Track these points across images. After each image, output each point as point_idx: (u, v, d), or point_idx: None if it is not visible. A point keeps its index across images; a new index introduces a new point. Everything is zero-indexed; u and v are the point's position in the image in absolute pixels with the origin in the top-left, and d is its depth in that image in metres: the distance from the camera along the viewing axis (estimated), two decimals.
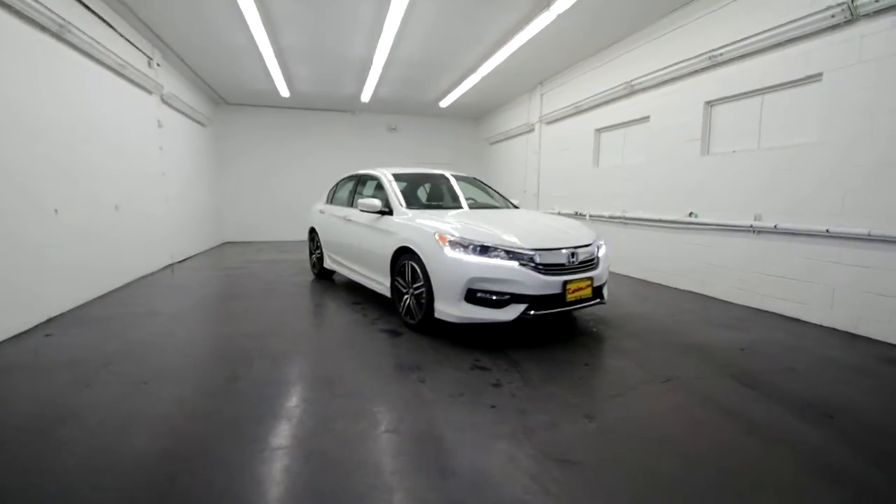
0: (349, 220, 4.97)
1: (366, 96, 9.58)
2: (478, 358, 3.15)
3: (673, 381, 2.82)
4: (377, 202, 4.33)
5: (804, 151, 4.15)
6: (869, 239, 3.62)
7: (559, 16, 5.35)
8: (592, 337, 3.67)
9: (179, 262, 7.62)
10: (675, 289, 5.57)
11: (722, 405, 2.49)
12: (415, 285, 3.68)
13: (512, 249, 3.32)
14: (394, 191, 4.49)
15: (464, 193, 4.83)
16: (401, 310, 3.91)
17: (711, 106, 5.16)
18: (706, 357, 3.25)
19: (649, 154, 6.09)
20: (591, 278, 3.52)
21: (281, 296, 5.13)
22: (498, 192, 5.27)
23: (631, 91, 6.24)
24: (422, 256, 3.52)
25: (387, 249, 4.06)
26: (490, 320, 3.28)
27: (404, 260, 3.81)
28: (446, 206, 4.57)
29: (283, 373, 2.90)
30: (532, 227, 3.74)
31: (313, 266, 6.32)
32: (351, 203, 5.23)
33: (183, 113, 7.96)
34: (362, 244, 4.62)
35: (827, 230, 3.90)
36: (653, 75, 5.78)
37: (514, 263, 3.27)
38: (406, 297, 3.83)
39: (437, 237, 3.47)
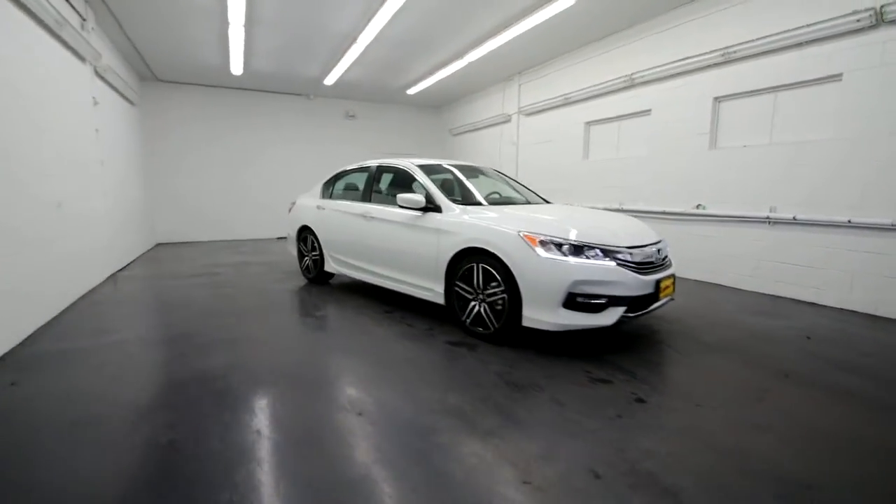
0: (370, 217, 4.39)
1: (331, 79, 8.71)
2: (588, 369, 2.88)
3: (792, 376, 2.80)
4: (421, 198, 3.84)
5: (821, 147, 4.44)
6: (890, 228, 3.96)
7: (577, 2, 5.20)
8: (651, 335, 3.59)
9: (120, 270, 6.31)
10: (683, 278, 5.77)
11: (878, 401, 2.50)
12: (488, 291, 3.30)
13: (609, 248, 3.09)
14: (434, 186, 4.02)
15: (483, 187, 4.44)
16: (464, 318, 3.50)
17: (719, 101, 5.36)
18: (783, 347, 3.31)
19: (651, 147, 6.22)
20: (673, 275, 3.42)
21: (285, 309, 4.40)
22: (521, 184, 4.99)
23: (631, 84, 6.31)
24: (504, 258, 3.15)
25: (442, 251, 3.61)
26: (589, 326, 3.02)
27: (470, 263, 3.40)
28: (470, 202, 4.14)
29: (401, 419, 2.38)
30: (605, 223, 3.53)
31: (306, 270, 5.56)
32: (368, 198, 4.63)
33: (115, 89, 6.54)
34: (396, 245, 4.09)
35: (849, 220, 4.21)
36: (657, 69, 5.87)
37: (612, 263, 3.04)
38: (473, 304, 3.43)
39: (523, 237, 3.12)
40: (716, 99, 5.36)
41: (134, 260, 7.23)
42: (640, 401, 2.46)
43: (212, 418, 2.22)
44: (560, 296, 2.96)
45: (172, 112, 9.34)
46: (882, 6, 3.86)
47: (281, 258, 7.42)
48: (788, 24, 4.52)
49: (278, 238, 10.48)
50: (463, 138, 11.02)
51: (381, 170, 4.73)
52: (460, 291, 3.52)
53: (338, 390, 2.59)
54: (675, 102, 5.80)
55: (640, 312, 3.14)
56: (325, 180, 5.53)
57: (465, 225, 3.49)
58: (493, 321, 3.29)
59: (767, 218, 4.85)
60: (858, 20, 4.03)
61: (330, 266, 5.12)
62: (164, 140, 9.33)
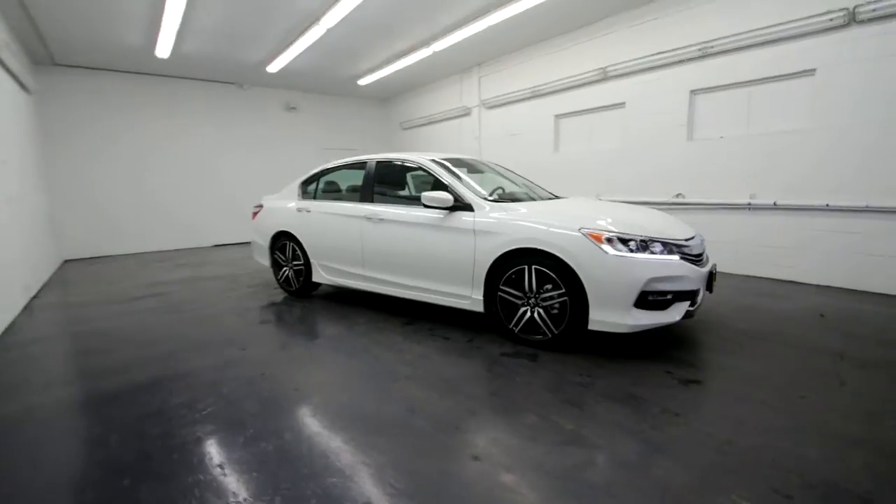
0: (379, 219, 3.89)
1: (276, 66, 7.80)
2: (667, 370, 2.75)
3: (847, 357, 2.90)
4: (449, 196, 3.45)
5: (796, 137, 4.79)
6: (865, 210, 4.37)
7: None
8: (679, 325, 3.60)
9: (34, 297, 5.05)
10: None
11: None
12: (543, 295, 3.03)
13: (671, 241, 2.97)
14: (462, 181, 3.64)
15: (486, 184, 4.15)
16: (512, 326, 3.20)
17: (695, 94, 5.59)
18: (810, 327, 3.47)
19: (625, 140, 6.35)
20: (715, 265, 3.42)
21: (283, 332, 3.77)
22: (525, 179, 4.76)
23: (604, 77, 6.39)
24: (566, 259, 2.89)
25: (482, 254, 3.26)
26: (658, 325, 2.88)
27: (519, 265, 3.10)
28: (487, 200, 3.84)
29: (531, 461, 2.01)
30: (648, 216, 3.42)
31: (285, 282, 4.85)
32: (369, 198, 4.10)
33: (10, 72, 5.18)
34: (418, 249, 3.65)
35: (827, 204, 4.59)
36: (632, 62, 5.99)
37: (676, 257, 2.93)
38: (523, 310, 3.13)
39: (586, 234, 2.89)
40: (692, 92, 5.58)
41: (46, 283, 5.87)
42: (745, 400, 2.37)
43: None
44: (633, 295, 2.78)
45: (79, 103, 7.75)
46: (855, 6, 4.21)
47: (236, 269, 6.50)
48: (765, 21, 4.79)
49: (215, 245, 9.29)
50: (415, 133, 10.59)
51: (383, 166, 4.23)
52: (507, 297, 3.20)
53: (422, 430, 2.16)
54: (650, 95, 5.97)
55: (698, 306, 3.09)
56: (302, 179, 4.86)
57: (512, 224, 3.17)
58: (552, 327, 3.04)
59: (748, 204, 5.16)
60: (832, 19, 4.37)
61: (319, 276, 4.50)
62: (70, 136, 7.73)
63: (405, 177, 4.31)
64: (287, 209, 4.77)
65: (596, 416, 2.23)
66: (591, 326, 2.90)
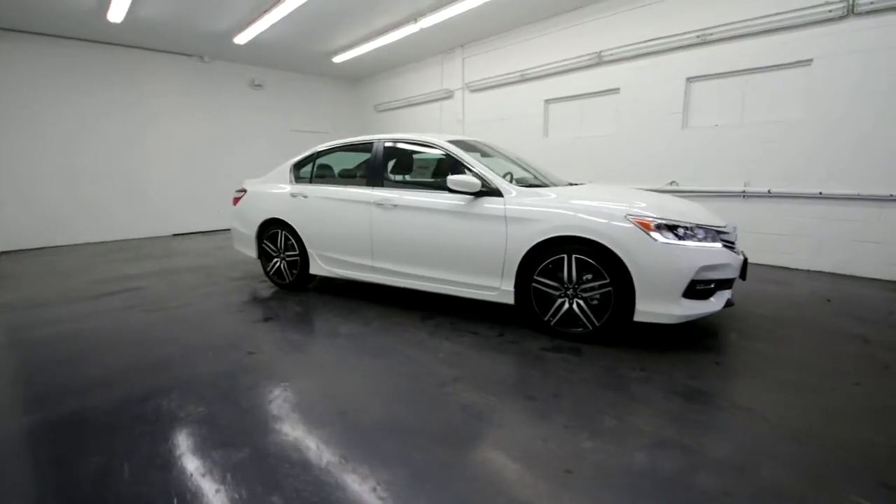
0: (392, 205, 3.57)
1: (245, 37, 7.11)
2: (715, 360, 2.69)
3: (872, 341, 2.96)
4: (476, 180, 3.20)
5: (791, 127, 4.91)
6: (857, 198, 4.56)
7: None
8: None
9: None
10: None
11: None
12: (585, 285, 2.88)
13: (713, 228, 2.90)
14: (483, 164, 3.40)
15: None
16: (548, 318, 3.03)
17: (691, 82, 5.61)
18: (824, 312, 3.56)
19: (619, 126, 6.32)
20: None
21: (297, 332, 3.40)
22: (534, 163, 4.56)
23: (599, 62, 6.29)
24: (612, 247, 2.74)
25: (515, 242, 3.05)
26: (704, 314, 2.81)
27: (557, 254, 2.92)
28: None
29: (654, 479, 1.84)
30: (679, 203, 3.33)
31: (276, 274, 4.43)
32: (378, 182, 3.76)
33: None
34: (439, 238, 3.38)
35: (820, 192, 4.75)
36: (629, 47, 5.93)
37: (719, 244, 2.86)
38: (560, 301, 2.97)
39: (633, 221, 2.75)
40: (688, 79, 5.60)
41: None
42: (802, 388, 2.33)
43: None
44: (683, 284, 2.68)
45: (15, 73, 6.71)
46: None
47: (209, 260, 5.93)
48: (765, 9, 4.84)
49: (174, 235, 8.51)
50: (392, 115, 10.14)
51: (394, 147, 3.89)
52: (542, 288, 3.03)
53: (501, 441, 1.94)
54: (645, 82, 5.94)
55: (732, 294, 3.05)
56: (294, 161, 4.42)
57: (550, 211, 2.98)
58: (593, 319, 2.89)
59: (743, 192, 5.28)
60: (830, 10, 4.46)
61: (317, 268, 4.13)
62: (3, 111, 6.70)
63: (420, 159, 3.99)
64: (278, 194, 4.33)
65: (671, 415, 2.10)
66: (636, 318, 2.78)
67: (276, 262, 4.42)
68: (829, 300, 3.89)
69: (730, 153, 5.35)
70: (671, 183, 5.86)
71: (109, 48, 7.49)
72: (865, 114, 4.45)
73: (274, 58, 8.71)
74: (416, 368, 2.63)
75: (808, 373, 2.52)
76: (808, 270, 4.92)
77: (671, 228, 2.75)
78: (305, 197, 4.12)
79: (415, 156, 3.93)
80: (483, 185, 3.22)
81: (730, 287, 2.93)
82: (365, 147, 4.03)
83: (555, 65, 6.75)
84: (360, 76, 10.51)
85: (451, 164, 3.54)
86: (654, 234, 2.71)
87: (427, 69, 9.01)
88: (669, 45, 5.59)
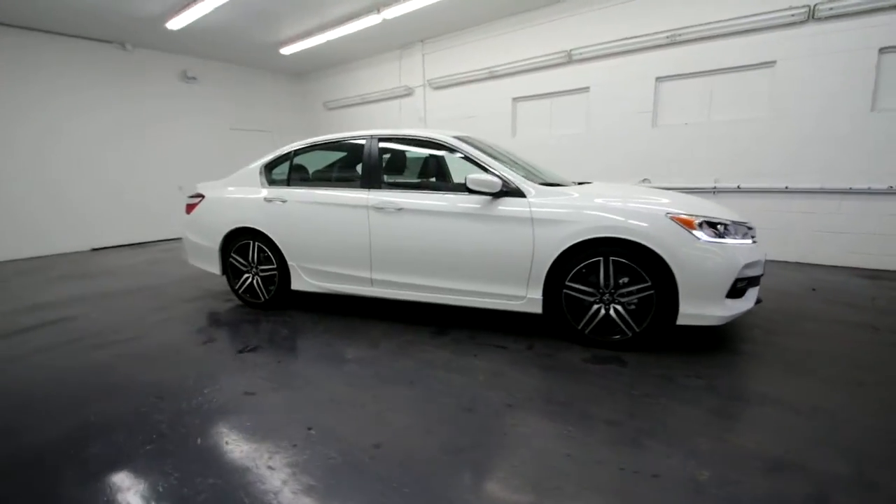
0: (396, 209, 3.15)
1: (180, 22, 6.23)
2: (760, 360, 2.61)
3: (883, 330, 3.07)
4: (497, 179, 2.90)
5: (756, 125, 5.15)
6: (820, 192, 4.87)
7: None
8: None
9: None
10: None
11: None
12: (623, 290, 2.69)
13: (744, 224, 2.84)
14: (498, 161, 3.10)
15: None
16: (581, 327, 2.81)
17: (661, 81, 5.74)
18: (816, 301, 3.69)
19: (589, 125, 6.34)
20: None
21: (281, 365, 2.89)
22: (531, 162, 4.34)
23: (569, 60, 6.26)
24: (655, 247, 2.56)
25: (543, 246, 2.79)
26: (741, 313, 2.73)
27: (590, 257, 2.71)
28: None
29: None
30: (698, 199, 3.25)
31: (250, 292, 3.81)
32: (376, 184, 3.32)
33: None
34: (454, 244, 3.02)
35: (786, 187, 5.03)
36: (599, 46, 5.94)
37: (750, 241, 2.81)
38: (596, 307, 2.76)
39: (673, 219, 2.60)
40: (657, 79, 5.72)
41: None
42: (853, 384, 2.31)
43: None
44: (728, 284, 2.58)
45: None
46: (815, 4, 4.59)
47: (151, 279, 5.07)
48: (731, 12, 5.03)
49: (94, 250, 7.32)
50: (344, 113, 9.53)
51: (390, 144, 3.48)
52: (574, 294, 2.80)
53: (618, 485, 1.66)
54: (616, 81, 5.99)
55: None
56: (264, 161, 3.84)
57: (583, 212, 2.75)
58: (633, 325, 2.72)
59: (714, 188, 5.47)
60: (793, 15, 4.72)
61: (301, 283, 3.60)
62: None
63: (420, 158, 3.62)
64: (248, 200, 3.73)
65: (768, 429, 1.94)
66: (679, 321, 2.64)
67: (247, 278, 3.80)
68: (813, 289, 4.07)
69: (699, 151, 5.54)
70: (643, 181, 5.96)
71: (5, 30, 6.22)
72: (823, 113, 4.76)
73: (210, 47, 7.78)
74: (460, 396, 2.28)
75: (847, 367, 2.51)
76: (776, 261, 5.20)
77: (712, 226, 2.64)
78: (284, 202, 3.57)
79: (413, 154, 3.56)
80: (503, 185, 2.93)
81: (758, 284, 2.90)
82: (351, 145, 3.59)
83: (523, 62, 6.64)
84: (306, 71, 9.78)
85: (458, 163, 3.22)
86: (697, 233, 2.58)
87: (383, 65, 8.55)
88: (639, 44, 5.67)
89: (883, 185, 4.54)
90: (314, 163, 3.79)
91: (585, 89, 6.30)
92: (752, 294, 2.82)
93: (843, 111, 4.65)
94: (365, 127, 8.93)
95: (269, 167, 3.82)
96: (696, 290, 2.58)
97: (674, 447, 1.82)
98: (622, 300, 2.72)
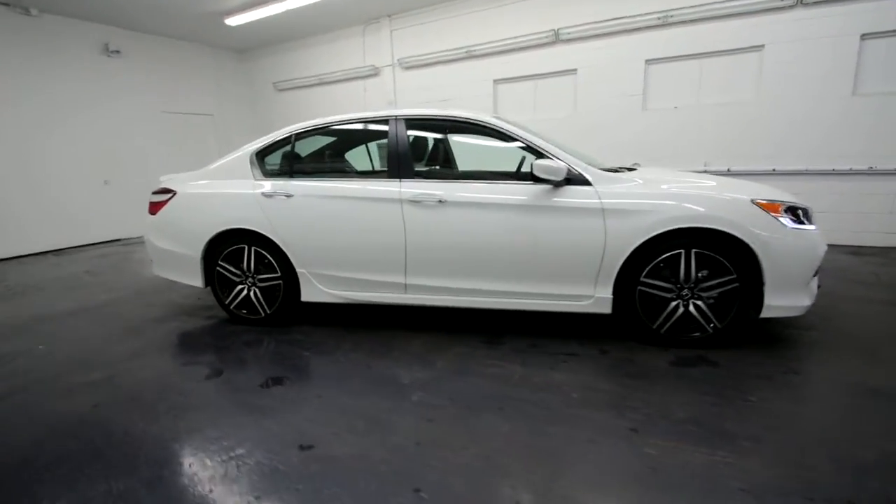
0: (438, 201, 2.69)
1: None
2: (838, 347, 2.54)
3: None
4: (563, 165, 2.55)
5: (744, 108, 5.24)
6: (805, 173, 5.06)
7: None
8: None
9: None
10: None
11: None
12: (705, 284, 2.48)
13: (808, 209, 2.74)
14: (557, 147, 2.75)
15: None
16: (658, 326, 2.58)
17: (650, 64, 5.66)
18: (830, 281, 3.80)
19: (576, 109, 6.16)
20: None
21: (325, 400, 2.37)
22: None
23: (555, 40, 6.01)
24: (744, 237, 2.37)
25: (617, 239, 2.50)
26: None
27: (667, 250, 2.47)
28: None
29: None
30: (749, 182, 3.12)
31: (245, 306, 3.17)
32: (408, 173, 2.82)
33: None
34: (507, 240, 2.65)
35: (773, 169, 5.18)
36: (588, 26, 5.74)
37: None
38: (674, 304, 2.54)
39: (759, 205, 2.42)
40: (647, 61, 5.65)
41: None
42: None
43: None
44: (812, 271, 2.47)
45: None
46: None
47: (96, 294, 4.16)
48: None
49: (3, 260, 6.02)
50: (299, 95, 8.63)
51: (421, 126, 3.02)
52: (650, 291, 2.55)
53: None
54: (605, 63, 5.84)
55: None
56: (256, 147, 3.17)
57: (659, 199, 2.49)
58: (714, 320, 2.52)
59: (704, 171, 5.53)
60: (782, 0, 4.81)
61: (315, 293, 3.03)
62: None
63: (455, 142, 3.18)
64: (241, 196, 3.06)
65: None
66: (765, 314, 2.48)
67: (242, 289, 3.16)
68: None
69: (689, 134, 5.56)
70: (634, 165, 5.91)
71: None
72: (809, 97, 4.92)
73: (138, 15, 6.58)
74: (569, 424, 1.93)
75: None
76: None
77: (793, 211, 2.50)
78: (289, 197, 2.96)
79: (450, 138, 3.11)
80: (567, 172, 2.59)
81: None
82: (367, 128, 3.07)
83: (506, 42, 6.29)
84: (254, 46, 8.70)
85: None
86: (783, 219, 2.43)
87: (344, 41, 7.79)
88: (630, 25, 5.55)
89: (864, 166, 4.80)
90: (324, 149, 3.21)
91: (573, 71, 6.10)
92: (815, 282, 2.75)
93: (827, 95, 4.84)
94: (326, 110, 8.16)
95: (263, 155, 3.16)
96: (782, 280, 2.43)
97: (842, 464, 1.62)
98: (703, 295, 2.52)
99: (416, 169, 2.91)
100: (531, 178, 2.62)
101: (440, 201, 2.72)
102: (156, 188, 3.37)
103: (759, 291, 2.45)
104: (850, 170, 4.86)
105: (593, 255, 2.57)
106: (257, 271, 3.10)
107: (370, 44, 7.52)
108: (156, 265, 3.43)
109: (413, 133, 2.97)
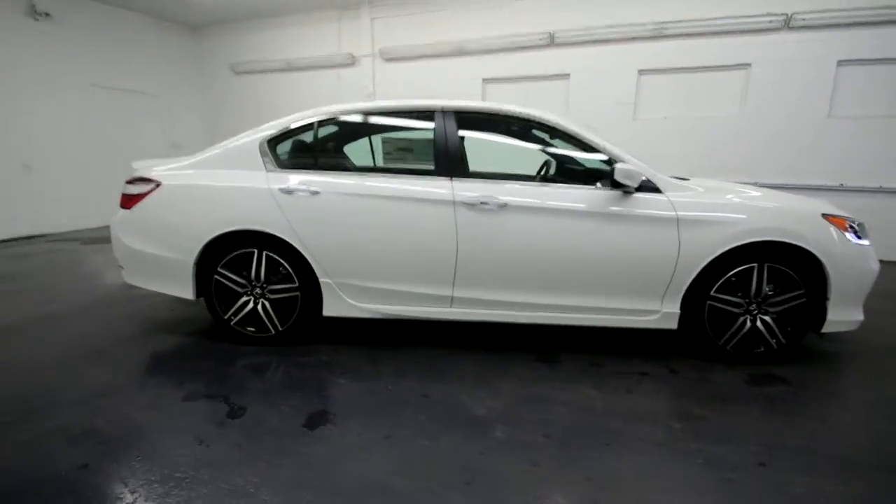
0: (499, 204, 2.39)
1: None
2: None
3: None
4: (640, 171, 2.37)
5: (727, 123, 5.46)
6: (783, 187, 5.34)
7: None
8: None
9: None
10: None
11: None
12: (773, 299, 2.41)
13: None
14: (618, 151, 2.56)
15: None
16: (725, 341, 2.47)
17: (643, 74, 5.73)
18: None
19: (567, 115, 6.09)
20: None
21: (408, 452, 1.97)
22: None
23: (550, 43, 5.90)
24: (816, 251, 2.32)
25: (691, 251, 2.36)
26: None
27: (742, 264, 2.37)
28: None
29: None
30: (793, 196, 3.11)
31: (252, 322, 2.64)
32: (460, 171, 2.49)
33: None
34: (574, 250, 2.42)
35: (756, 183, 5.43)
36: (584, 31, 5.70)
37: None
38: (742, 319, 2.44)
39: (829, 220, 2.39)
40: (640, 71, 5.71)
41: None
42: None
43: None
44: (869, 287, 2.47)
45: None
46: (792, 13, 4.94)
47: (35, 305, 3.37)
48: (717, 12, 5.18)
49: None
50: (260, 80, 7.84)
51: (472, 121, 2.69)
52: (720, 306, 2.44)
53: None
54: (599, 70, 5.84)
55: None
56: (266, 134, 2.65)
57: (733, 211, 2.39)
58: (780, 336, 2.46)
59: (755, 184, 5.69)
60: (771, 21, 5.03)
61: (341, 306, 2.59)
62: None
63: (508, 139, 2.88)
64: (250, 190, 2.54)
65: None
66: (825, 329, 2.46)
67: (247, 302, 2.63)
68: None
69: (674, 145, 5.70)
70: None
71: None
72: (789, 116, 5.21)
73: None
74: (691, 462, 1.72)
75: None
76: None
77: (853, 227, 2.50)
78: (315, 194, 2.50)
79: (503, 134, 2.81)
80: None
81: None
82: (407, 118, 2.68)
83: (499, 40, 6.09)
84: (208, 23, 7.77)
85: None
86: (849, 235, 2.41)
87: (316, 25, 7.18)
88: (626, 34, 5.58)
89: (835, 183, 5.17)
90: (348, 139, 2.77)
91: (566, 76, 6.04)
92: None
93: (805, 115, 5.16)
94: (291, 100, 7.53)
95: (276, 142, 2.67)
96: (844, 295, 2.42)
97: None
98: (771, 310, 2.44)
99: (470, 167, 2.59)
100: (593, 182, 2.46)
101: (502, 204, 2.42)
102: (129, 177, 2.73)
103: (822, 306, 2.43)
104: (823, 185, 5.21)
105: (665, 267, 2.41)
106: (272, 281, 2.60)
107: (347, 30, 6.99)
108: (127, 271, 2.79)
109: (465, 127, 2.63)
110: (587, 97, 5.97)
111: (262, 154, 2.63)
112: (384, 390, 2.23)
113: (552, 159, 3.11)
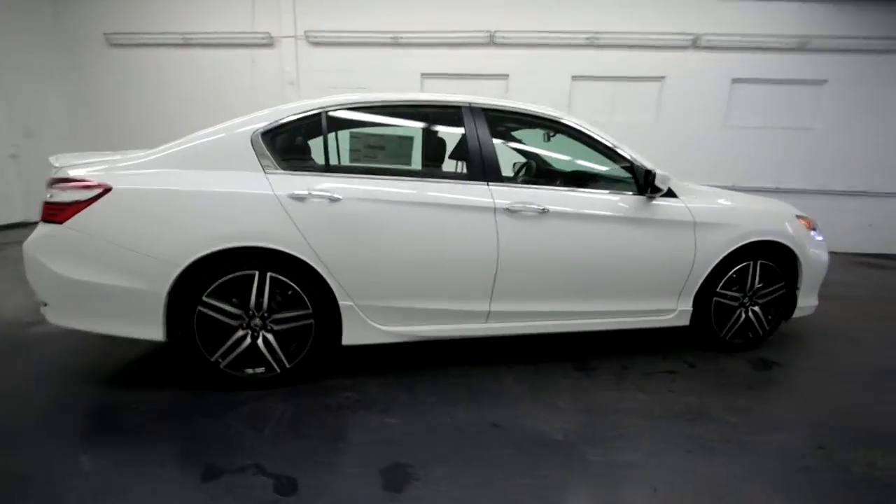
0: (540, 209, 2.28)
1: None
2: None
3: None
4: (668, 176, 2.47)
5: (645, 129, 6.11)
6: None
7: None
8: None
9: None
10: None
11: None
12: (762, 292, 2.72)
13: None
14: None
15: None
16: (724, 333, 2.72)
17: (576, 80, 6.06)
18: None
19: None
20: None
21: None
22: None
23: (490, 41, 5.91)
24: (795, 248, 2.68)
25: (705, 251, 2.55)
26: None
27: (741, 262, 2.64)
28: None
29: None
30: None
31: (250, 363, 2.12)
32: (493, 175, 2.32)
33: None
34: (606, 255, 2.44)
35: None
36: (522, 33, 5.83)
37: None
38: (738, 313, 2.72)
39: (799, 220, 2.77)
40: (574, 77, 6.04)
41: None
42: None
43: None
44: (824, 275, 2.93)
45: None
46: (700, 35, 5.65)
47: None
48: (639, 27, 5.71)
49: None
50: (145, 55, 6.49)
51: (501, 120, 2.64)
52: (724, 301, 2.68)
53: None
54: (536, 72, 6.03)
55: None
56: (259, 126, 2.14)
57: (737, 213, 2.64)
58: (764, 325, 2.79)
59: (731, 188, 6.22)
60: (682, 40, 5.70)
61: (365, 332, 2.23)
62: None
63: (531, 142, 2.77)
64: (250, 196, 2.04)
65: None
66: (795, 314, 2.86)
67: (242, 337, 2.11)
68: None
69: None
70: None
71: None
72: (693, 124, 6.02)
73: None
74: (770, 455, 1.83)
75: None
76: None
77: (814, 226, 2.93)
78: (335, 201, 2.09)
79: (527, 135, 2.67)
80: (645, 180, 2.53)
81: None
82: (429, 114, 2.42)
83: (439, 34, 5.93)
84: None
85: (587, 153, 2.64)
86: (813, 232, 2.83)
87: None
88: (562, 40, 5.85)
89: (728, 183, 6.09)
90: (366, 136, 2.38)
91: (504, 76, 6.12)
92: None
93: (708, 125, 5.99)
94: (189, 80, 6.45)
95: (272, 136, 2.17)
96: (809, 286, 2.85)
97: None
98: (760, 301, 2.75)
99: (503, 172, 2.42)
100: (615, 187, 2.61)
101: (542, 210, 2.31)
102: (54, 176, 2.00)
103: (793, 295, 2.82)
104: (723, 186, 6.10)
105: (683, 268, 2.56)
106: (280, 309, 2.13)
107: (263, 6, 6.15)
108: (54, 309, 2.04)
109: (496, 126, 2.47)
110: (526, 99, 6.10)
111: (258, 151, 2.13)
112: (445, 424, 1.98)
113: (577, 163, 3.11)
